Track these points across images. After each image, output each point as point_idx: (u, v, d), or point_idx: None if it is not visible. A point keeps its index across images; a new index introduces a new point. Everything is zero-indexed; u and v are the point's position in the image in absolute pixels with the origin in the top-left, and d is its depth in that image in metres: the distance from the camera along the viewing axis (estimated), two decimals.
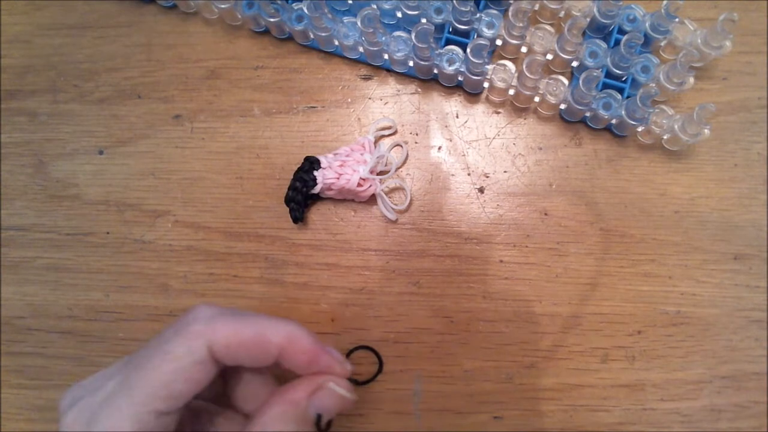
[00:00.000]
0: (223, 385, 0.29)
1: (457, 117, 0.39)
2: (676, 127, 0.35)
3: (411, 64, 0.38)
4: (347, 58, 0.40)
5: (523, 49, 0.38)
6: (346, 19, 0.38)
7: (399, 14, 0.38)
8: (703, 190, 0.37)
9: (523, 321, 0.36)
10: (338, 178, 0.36)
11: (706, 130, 0.35)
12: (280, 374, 0.29)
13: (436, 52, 0.36)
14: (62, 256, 0.39)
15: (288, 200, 0.37)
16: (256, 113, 0.40)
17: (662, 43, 0.38)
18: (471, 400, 0.36)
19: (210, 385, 0.26)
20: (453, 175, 0.38)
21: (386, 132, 0.39)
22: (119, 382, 0.25)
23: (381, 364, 0.36)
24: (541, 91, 0.37)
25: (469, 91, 0.39)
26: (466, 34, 0.37)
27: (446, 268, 0.37)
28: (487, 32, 0.37)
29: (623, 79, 0.37)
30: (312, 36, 0.39)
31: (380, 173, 0.37)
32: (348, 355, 0.36)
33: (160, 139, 0.40)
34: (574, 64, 0.37)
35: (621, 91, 0.36)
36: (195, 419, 0.28)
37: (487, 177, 0.38)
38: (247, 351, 0.25)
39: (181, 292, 0.38)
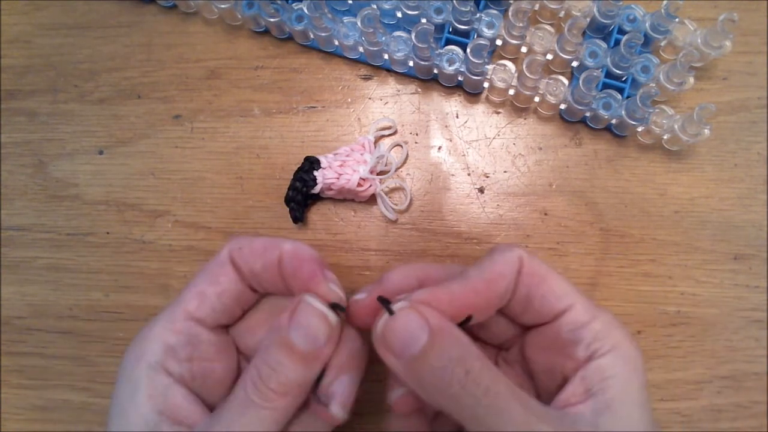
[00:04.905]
0: None
1: (457, 117, 0.39)
2: (676, 127, 0.35)
3: (411, 64, 0.38)
4: (347, 58, 0.40)
5: (523, 49, 0.38)
6: (346, 19, 0.38)
7: (399, 14, 0.38)
8: (703, 190, 0.37)
9: None
10: (338, 178, 0.36)
11: (706, 130, 0.35)
12: None
13: (436, 52, 0.36)
14: (62, 256, 0.39)
15: (288, 200, 0.37)
16: (256, 113, 0.40)
17: (662, 43, 0.38)
18: None
19: None
20: (453, 175, 0.38)
21: (386, 132, 0.39)
22: None
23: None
24: (541, 91, 0.37)
25: (469, 91, 0.39)
26: (466, 34, 0.37)
27: None
28: (487, 32, 0.37)
29: (623, 79, 0.37)
30: (312, 36, 0.39)
31: (380, 173, 0.37)
32: None
33: (160, 139, 0.40)
34: (574, 64, 0.37)
35: (621, 91, 0.36)
36: None
37: (487, 177, 0.38)
38: (259, 255, 0.27)
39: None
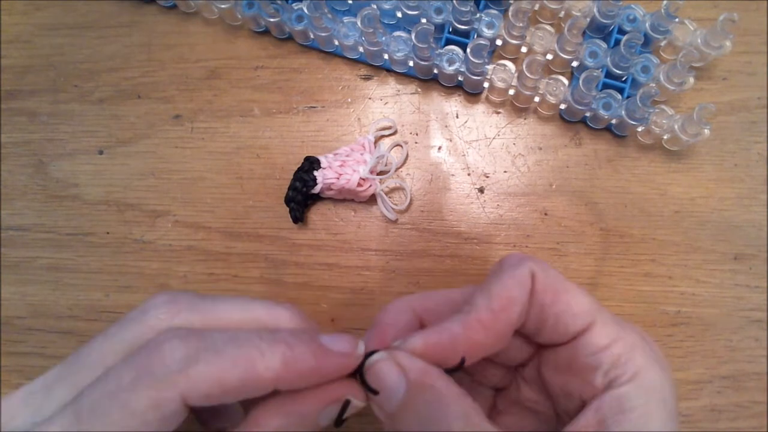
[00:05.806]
0: None
1: (457, 117, 0.39)
2: (676, 127, 0.35)
3: (411, 64, 0.38)
4: (347, 58, 0.40)
5: (523, 49, 0.38)
6: (346, 19, 0.38)
7: (399, 14, 0.38)
8: (703, 190, 0.37)
9: None
10: (338, 178, 0.36)
11: (706, 130, 0.35)
12: None
13: (436, 52, 0.36)
14: (62, 256, 0.39)
15: (288, 200, 0.37)
16: (256, 113, 0.40)
17: (662, 43, 0.38)
18: None
19: None
20: (453, 175, 0.38)
21: (386, 132, 0.39)
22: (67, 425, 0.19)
23: None
24: (541, 91, 0.37)
25: (469, 91, 0.39)
26: (466, 34, 0.37)
27: (446, 268, 0.37)
28: (487, 32, 0.37)
29: (623, 79, 0.37)
30: (312, 36, 0.39)
31: (380, 173, 0.37)
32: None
33: (160, 139, 0.40)
34: (574, 64, 0.37)
35: (621, 91, 0.36)
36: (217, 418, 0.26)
37: (487, 177, 0.38)
38: (234, 393, 0.20)
39: None
